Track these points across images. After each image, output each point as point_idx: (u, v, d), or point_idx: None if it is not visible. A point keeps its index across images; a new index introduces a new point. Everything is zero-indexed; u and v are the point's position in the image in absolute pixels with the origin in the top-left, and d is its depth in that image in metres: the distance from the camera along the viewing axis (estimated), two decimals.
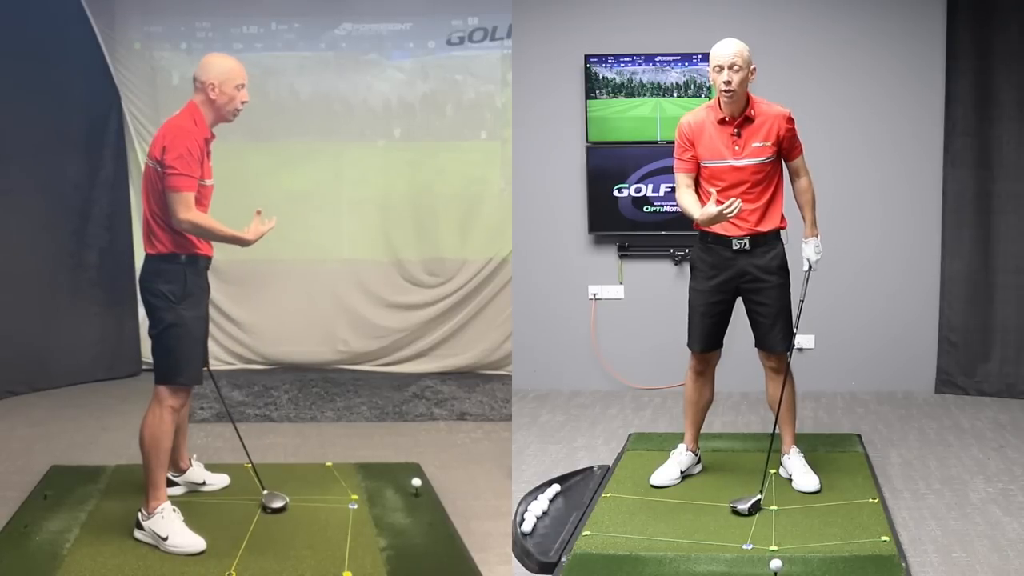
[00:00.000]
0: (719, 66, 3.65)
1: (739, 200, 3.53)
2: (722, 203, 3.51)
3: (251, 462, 3.79)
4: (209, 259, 3.49)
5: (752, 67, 3.68)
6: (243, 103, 3.42)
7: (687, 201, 3.76)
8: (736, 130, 3.72)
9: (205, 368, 3.56)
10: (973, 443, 4.67)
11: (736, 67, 3.62)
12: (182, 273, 3.37)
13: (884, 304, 5.70)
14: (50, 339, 5.70)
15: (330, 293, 6.11)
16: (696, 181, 3.81)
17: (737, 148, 3.72)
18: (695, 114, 3.84)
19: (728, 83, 3.63)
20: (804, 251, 3.87)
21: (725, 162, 3.73)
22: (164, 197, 3.31)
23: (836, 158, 5.55)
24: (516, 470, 4.29)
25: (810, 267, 3.87)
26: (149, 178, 3.38)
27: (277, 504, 3.67)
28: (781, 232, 3.85)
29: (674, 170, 3.85)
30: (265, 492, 3.72)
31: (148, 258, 3.42)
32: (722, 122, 3.74)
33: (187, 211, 3.28)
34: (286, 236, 6.07)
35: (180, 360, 3.38)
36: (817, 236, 3.88)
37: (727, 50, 3.64)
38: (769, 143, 3.71)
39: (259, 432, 4.84)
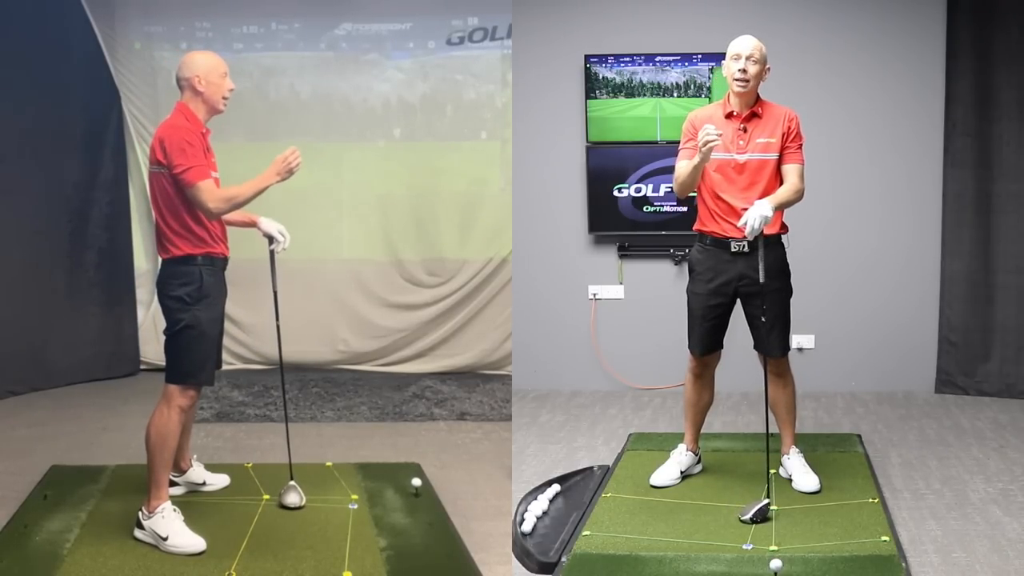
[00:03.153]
0: (737, 55, 3.67)
1: (713, 127, 3.52)
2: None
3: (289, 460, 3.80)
4: (226, 260, 3.50)
5: (767, 66, 3.72)
6: (230, 91, 3.45)
7: (681, 165, 3.71)
8: (742, 125, 3.74)
9: (217, 369, 3.57)
10: (973, 443, 4.67)
11: (754, 59, 3.66)
12: (198, 274, 3.37)
13: (884, 304, 5.70)
14: (50, 339, 5.70)
15: (330, 293, 6.11)
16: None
17: (742, 143, 3.73)
18: (703, 109, 3.91)
19: (744, 72, 3.65)
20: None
21: (728, 155, 3.72)
22: (173, 201, 3.32)
23: (836, 158, 5.55)
24: (516, 470, 4.29)
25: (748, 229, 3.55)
26: (154, 184, 3.38)
27: (291, 501, 3.67)
28: (782, 237, 3.84)
29: (677, 160, 3.80)
30: (291, 483, 3.71)
31: (164, 263, 3.43)
32: (729, 116, 3.76)
33: (213, 197, 3.27)
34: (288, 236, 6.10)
35: (193, 361, 3.39)
36: (770, 205, 3.55)
37: (746, 42, 3.69)
38: (774, 140, 3.72)
39: (259, 432, 4.85)
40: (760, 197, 3.66)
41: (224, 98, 3.44)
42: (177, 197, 3.32)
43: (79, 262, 5.85)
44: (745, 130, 3.74)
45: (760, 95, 3.78)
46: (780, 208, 3.69)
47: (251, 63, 6.01)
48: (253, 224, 3.64)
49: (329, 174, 6.12)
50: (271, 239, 3.61)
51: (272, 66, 6.05)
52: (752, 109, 3.75)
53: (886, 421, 5.09)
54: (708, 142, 3.48)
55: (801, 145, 3.76)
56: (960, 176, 5.53)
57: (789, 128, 3.74)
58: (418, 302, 6.15)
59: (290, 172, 3.35)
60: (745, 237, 3.63)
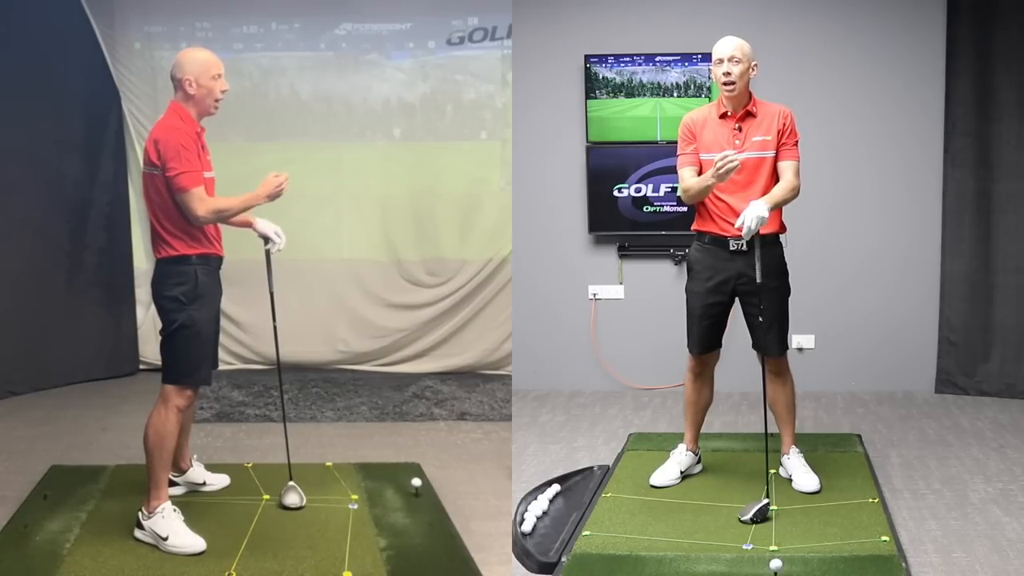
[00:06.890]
0: (719, 59, 3.69)
1: (734, 152, 3.52)
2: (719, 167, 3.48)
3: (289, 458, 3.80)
4: (220, 259, 3.49)
5: (753, 63, 3.71)
6: (223, 92, 3.41)
7: (693, 180, 3.71)
8: (737, 125, 3.74)
9: (214, 369, 3.57)
10: (973, 443, 4.67)
11: (735, 59, 3.66)
12: (193, 274, 3.36)
13: (884, 304, 5.70)
14: (50, 339, 5.70)
15: (330, 293, 6.11)
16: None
17: (738, 142, 3.73)
18: (698, 110, 3.90)
19: (728, 74, 3.66)
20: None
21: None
22: (167, 202, 3.32)
23: (836, 158, 5.56)
24: (516, 470, 4.30)
25: (745, 230, 3.55)
26: (148, 185, 3.38)
27: (291, 501, 3.67)
28: (780, 237, 3.84)
29: (678, 166, 3.82)
30: (291, 483, 3.71)
31: (158, 262, 3.41)
32: (724, 117, 3.76)
33: (202, 205, 3.27)
34: (287, 236, 6.11)
35: (189, 361, 3.39)
36: (766, 205, 3.55)
37: (727, 44, 3.69)
38: (770, 137, 3.72)
39: (259, 432, 4.85)
40: (759, 195, 3.66)
41: (216, 100, 3.40)
42: (171, 198, 3.32)
43: (78, 262, 5.84)
44: (740, 130, 3.75)
45: (753, 94, 3.78)
46: (777, 207, 3.68)
47: (251, 63, 6.00)
48: (249, 225, 3.64)
49: (329, 174, 6.12)
50: (267, 239, 3.62)
51: (272, 66, 6.05)
52: (746, 109, 3.75)
53: (886, 421, 5.09)
54: (728, 168, 3.46)
55: (797, 142, 3.76)
56: (960, 176, 5.53)
57: (784, 125, 3.73)
58: (418, 302, 6.14)
59: (279, 195, 3.40)
60: (742, 237, 3.64)
